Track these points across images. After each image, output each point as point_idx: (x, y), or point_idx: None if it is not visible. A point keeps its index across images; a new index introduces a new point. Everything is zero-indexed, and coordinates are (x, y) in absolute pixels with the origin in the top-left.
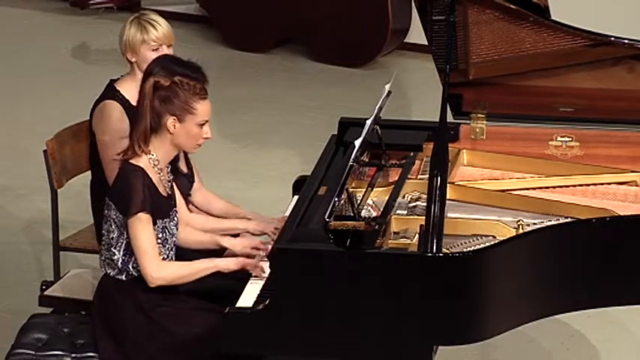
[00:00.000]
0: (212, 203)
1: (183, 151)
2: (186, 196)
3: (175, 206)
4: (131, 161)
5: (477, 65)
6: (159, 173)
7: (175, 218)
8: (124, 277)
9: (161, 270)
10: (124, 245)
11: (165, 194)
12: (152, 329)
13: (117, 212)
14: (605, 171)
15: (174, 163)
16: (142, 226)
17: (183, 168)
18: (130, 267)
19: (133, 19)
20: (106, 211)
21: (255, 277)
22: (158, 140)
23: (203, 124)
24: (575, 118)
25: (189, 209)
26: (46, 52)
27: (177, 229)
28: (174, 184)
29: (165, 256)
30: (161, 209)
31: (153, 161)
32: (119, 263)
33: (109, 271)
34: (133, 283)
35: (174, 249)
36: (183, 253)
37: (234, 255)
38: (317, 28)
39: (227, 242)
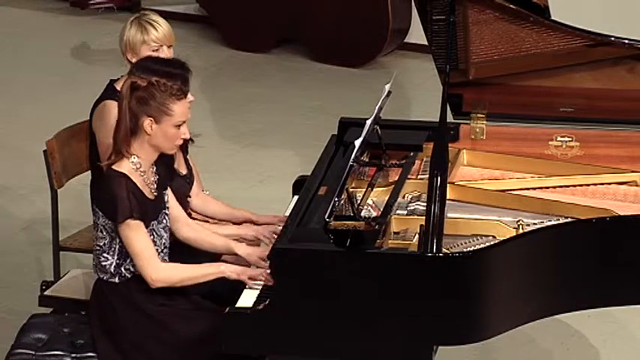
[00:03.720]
0: (210, 207)
1: (181, 151)
2: (186, 198)
3: (164, 208)
4: (114, 167)
5: (477, 65)
6: (142, 176)
7: (164, 221)
8: (117, 280)
9: (161, 272)
10: (117, 250)
11: (151, 197)
12: (152, 328)
13: (105, 219)
14: (605, 171)
15: (169, 165)
16: (134, 232)
17: (182, 169)
18: (123, 269)
19: (134, 20)
20: (94, 218)
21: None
22: (137, 142)
23: (180, 125)
24: (575, 118)
25: (187, 213)
26: (46, 52)
27: (165, 232)
28: (168, 187)
29: None
30: (149, 212)
31: (135, 165)
32: (112, 268)
33: (101, 275)
34: (127, 284)
35: (165, 251)
36: (182, 252)
37: (231, 261)
38: (317, 28)
39: (242, 251)
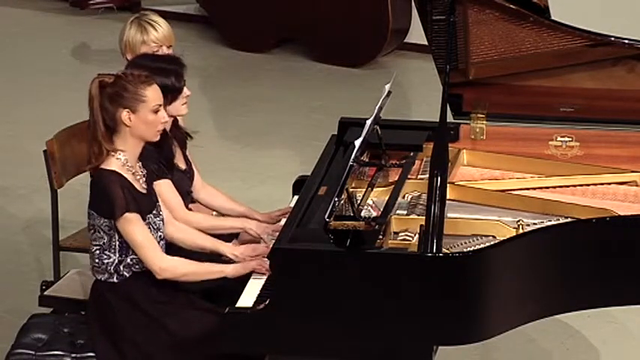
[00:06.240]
0: (216, 200)
1: (180, 147)
2: (187, 192)
3: (158, 200)
4: (103, 166)
5: (476, 65)
6: (131, 171)
7: (161, 213)
8: (115, 279)
9: (166, 261)
10: (117, 247)
11: (143, 191)
12: (151, 327)
13: (101, 219)
14: (605, 171)
15: (169, 160)
16: (132, 225)
17: (181, 164)
18: (122, 267)
19: (133, 20)
20: (90, 220)
21: (256, 276)
22: (120, 138)
23: (157, 110)
24: (575, 118)
25: (188, 207)
26: (46, 52)
27: (163, 223)
28: (170, 181)
29: None
30: (144, 206)
31: (122, 161)
32: (112, 266)
33: (99, 277)
34: (126, 283)
35: (162, 243)
36: (180, 248)
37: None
38: (317, 28)
39: (229, 252)
